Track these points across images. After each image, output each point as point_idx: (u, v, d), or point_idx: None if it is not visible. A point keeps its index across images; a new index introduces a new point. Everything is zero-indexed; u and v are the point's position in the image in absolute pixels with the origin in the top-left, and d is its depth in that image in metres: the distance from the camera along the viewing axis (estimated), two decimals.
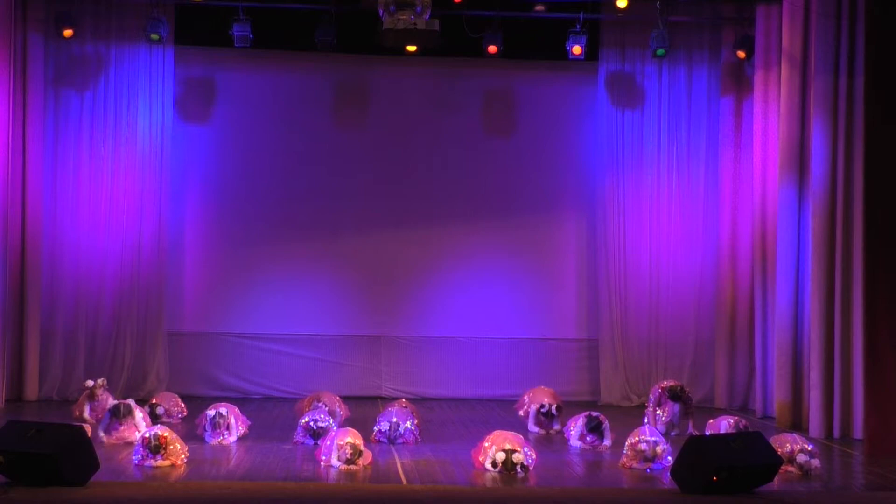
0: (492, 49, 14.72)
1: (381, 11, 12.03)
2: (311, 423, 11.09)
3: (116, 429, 11.03)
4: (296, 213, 15.42)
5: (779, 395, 13.12)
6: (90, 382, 12.52)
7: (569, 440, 11.50)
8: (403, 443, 11.24)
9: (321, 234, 15.46)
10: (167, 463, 9.76)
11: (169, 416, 12.51)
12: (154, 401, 12.67)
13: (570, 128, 15.73)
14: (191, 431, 11.52)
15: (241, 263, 15.32)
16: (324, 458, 9.96)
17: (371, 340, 15.45)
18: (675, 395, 12.23)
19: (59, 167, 14.69)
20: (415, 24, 12.12)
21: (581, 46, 14.65)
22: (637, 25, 15.16)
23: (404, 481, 9.41)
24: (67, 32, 14.24)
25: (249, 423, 11.78)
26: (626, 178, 15.31)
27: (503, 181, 15.65)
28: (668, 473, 9.28)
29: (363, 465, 9.90)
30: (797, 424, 12.74)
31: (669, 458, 9.87)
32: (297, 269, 15.41)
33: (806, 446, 9.97)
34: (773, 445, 9.36)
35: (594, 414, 11.49)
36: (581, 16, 14.69)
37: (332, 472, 9.69)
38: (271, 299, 15.33)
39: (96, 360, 14.66)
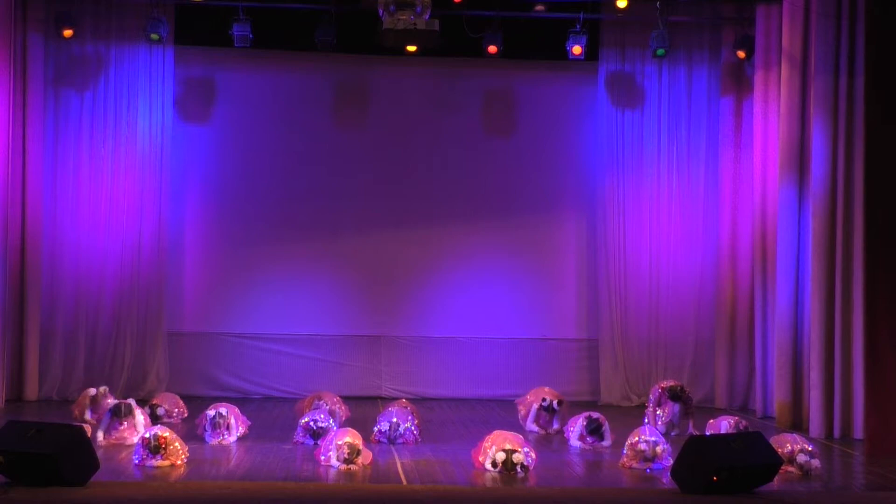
0: (492, 49, 14.72)
1: (381, 11, 12.02)
2: (311, 423, 11.09)
3: (116, 429, 11.03)
4: (296, 213, 15.42)
5: (779, 395, 13.11)
6: (92, 391, 12.48)
7: (569, 440, 11.52)
8: (403, 443, 11.24)
9: (321, 234, 15.45)
10: (167, 463, 9.76)
11: (169, 416, 12.52)
12: (154, 401, 12.69)
13: (570, 128, 15.73)
14: (191, 431, 11.53)
15: (241, 263, 15.32)
16: (323, 458, 9.96)
17: (371, 340, 15.45)
18: (675, 395, 12.23)
19: (59, 167, 14.69)
20: (415, 24, 12.11)
21: (581, 46, 14.65)
22: (637, 25, 15.16)
23: (404, 481, 9.41)
24: (67, 32, 14.23)
25: (249, 423, 11.79)
26: (626, 178, 15.31)
27: (503, 181, 15.65)
28: (668, 473, 9.28)
29: (363, 465, 9.90)
30: (797, 424, 12.73)
31: (669, 458, 9.87)
32: (297, 269, 15.41)
33: (806, 446, 9.97)
34: (774, 445, 9.35)
35: (594, 416, 11.49)
36: (581, 16, 14.68)
37: (332, 472, 9.69)
38: (271, 299, 15.32)
39: (96, 360, 14.67)
